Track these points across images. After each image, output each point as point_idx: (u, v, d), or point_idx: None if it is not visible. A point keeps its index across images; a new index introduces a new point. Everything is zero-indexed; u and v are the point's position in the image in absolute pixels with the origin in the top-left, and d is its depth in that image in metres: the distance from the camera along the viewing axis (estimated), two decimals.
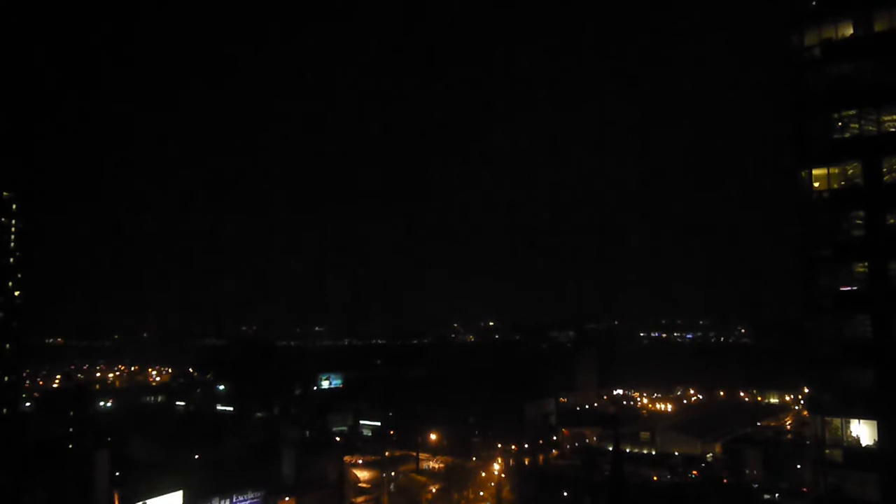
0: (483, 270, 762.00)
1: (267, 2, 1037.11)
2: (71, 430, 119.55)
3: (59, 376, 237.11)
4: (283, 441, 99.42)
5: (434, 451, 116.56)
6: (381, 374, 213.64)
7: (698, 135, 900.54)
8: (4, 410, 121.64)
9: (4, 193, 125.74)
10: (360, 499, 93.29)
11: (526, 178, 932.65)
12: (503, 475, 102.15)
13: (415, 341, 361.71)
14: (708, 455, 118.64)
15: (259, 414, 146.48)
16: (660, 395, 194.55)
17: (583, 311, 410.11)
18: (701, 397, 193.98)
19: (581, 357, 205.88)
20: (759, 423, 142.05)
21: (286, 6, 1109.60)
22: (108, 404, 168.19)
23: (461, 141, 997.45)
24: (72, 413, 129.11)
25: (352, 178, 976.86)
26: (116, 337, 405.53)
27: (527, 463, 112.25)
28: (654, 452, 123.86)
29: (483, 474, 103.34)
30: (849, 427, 44.73)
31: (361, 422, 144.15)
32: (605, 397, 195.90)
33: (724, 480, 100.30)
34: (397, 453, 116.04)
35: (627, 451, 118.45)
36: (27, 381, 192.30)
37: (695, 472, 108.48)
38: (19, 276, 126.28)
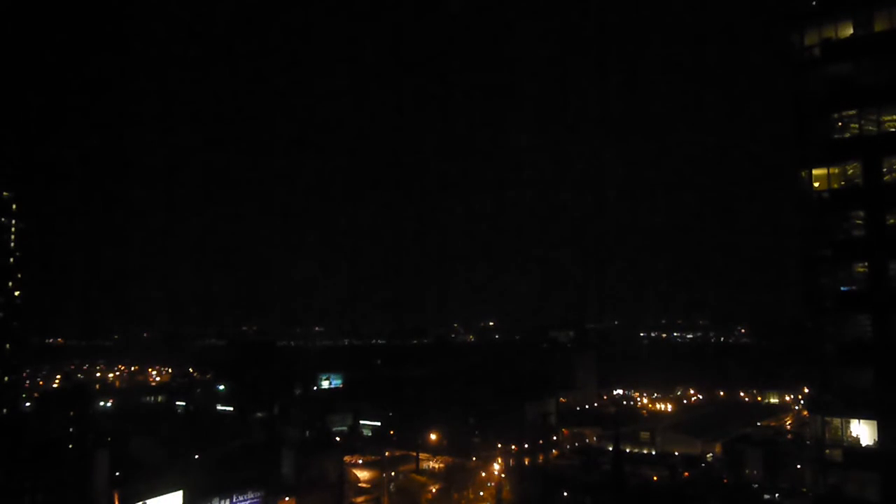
0: (483, 270, 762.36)
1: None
2: (71, 430, 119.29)
3: (59, 376, 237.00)
4: (283, 441, 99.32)
5: (434, 451, 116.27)
6: (381, 374, 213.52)
7: (698, 135, 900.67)
8: (4, 410, 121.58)
9: (4, 193, 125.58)
10: (360, 499, 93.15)
11: (526, 179, 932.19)
12: (503, 475, 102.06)
13: (415, 341, 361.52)
14: (708, 455, 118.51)
15: (259, 414, 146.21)
16: (660, 395, 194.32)
17: (583, 312, 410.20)
18: (701, 397, 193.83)
19: (581, 357, 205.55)
20: (759, 423, 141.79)
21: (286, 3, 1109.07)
22: (108, 404, 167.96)
23: (463, 141, 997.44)
24: (72, 413, 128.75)
25: (353, 177, 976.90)
26: (116, 337, 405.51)
27: (527, 463, 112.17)
28: (654, 452, 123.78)
29: (483, 474, 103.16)
30: (849, 427, 44.74)
31: (361, 422, 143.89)
32: (605, 397, 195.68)
33: (724, 480, 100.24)
34: (397, 453, 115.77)
35: (627, 451, 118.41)
36: (27, 381, 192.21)
37: (691, 472, 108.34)
38: (19, 276, 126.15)
